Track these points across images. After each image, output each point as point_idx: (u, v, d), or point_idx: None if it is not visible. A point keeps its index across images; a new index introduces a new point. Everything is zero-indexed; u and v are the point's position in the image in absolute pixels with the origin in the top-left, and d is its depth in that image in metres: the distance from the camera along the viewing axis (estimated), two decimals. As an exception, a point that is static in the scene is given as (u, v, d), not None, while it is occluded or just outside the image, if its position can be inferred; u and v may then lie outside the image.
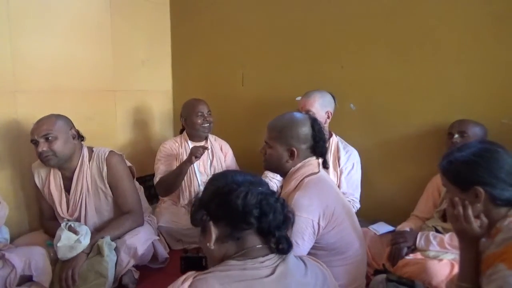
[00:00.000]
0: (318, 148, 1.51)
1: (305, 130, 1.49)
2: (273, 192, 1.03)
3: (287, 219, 1.02)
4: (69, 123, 1.92)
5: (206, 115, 2.41)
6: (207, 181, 1.08)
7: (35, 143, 1.82)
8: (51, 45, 2.26)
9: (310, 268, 1.02)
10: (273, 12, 2.58)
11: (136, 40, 2.82)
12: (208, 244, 0.98)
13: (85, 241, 1.78)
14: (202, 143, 2.48)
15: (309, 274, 1.00)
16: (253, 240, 0.98)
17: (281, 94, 2.57)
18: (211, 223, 0.98)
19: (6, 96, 2.07)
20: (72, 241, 1.76)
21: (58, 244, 1.73)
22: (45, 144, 1.80)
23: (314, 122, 1.53)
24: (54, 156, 1.83)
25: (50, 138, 1.80)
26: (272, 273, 0.92)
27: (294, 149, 1.47)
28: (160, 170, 2.38)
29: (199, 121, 2.40)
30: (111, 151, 2.00)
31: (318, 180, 1.46)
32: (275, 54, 2.61)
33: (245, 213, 0.95)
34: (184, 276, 0.92)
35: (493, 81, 1.94)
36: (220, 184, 1.02)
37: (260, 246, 0.98)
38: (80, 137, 1.96)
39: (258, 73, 2.72)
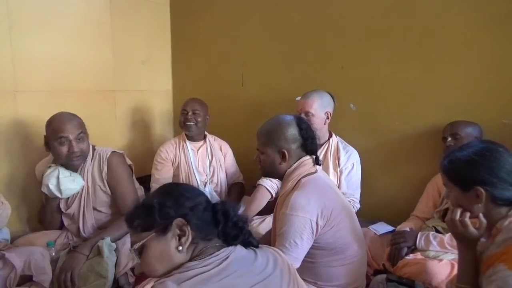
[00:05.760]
0: (308, 145, 1.52)
1: (292, 130, 1.50)
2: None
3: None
4: None
5: (190, 113, 2.37)
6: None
7: (64, 141, 1.77)
8: (51, 45, 2.26)
9: (260, 252, 1.01)
10: (273, 12, 2.57)
11: (136, 40, 2.82)
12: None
13: (80, 176, 1.87)
14: (200, 143, 2.48)
15: (260, 258, 0.99)
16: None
17: (281, 94, 2.57)
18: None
19: (6, 96, 2.07)
20: (68, 173, 1.82)
21: (61, 177, 1.78)
22: (77, 144, 1.80)
23: (299, 121, 1.54)
24: (82, 156, 1.85)
25: (80, 137, 1.80)
26: (220, 264, 0.93)
27: (285, 150, 1.49)
28: (155, 178, 2.39)
29: (182, 119, 2.41)
30: (113, 151, 2.00)
31: (315, 180, 1.47)
32: (275, 54, 2.60)
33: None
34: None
35: (494, 81, 1.94)
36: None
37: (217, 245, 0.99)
38: None
39: (258, 73, 2.72)
